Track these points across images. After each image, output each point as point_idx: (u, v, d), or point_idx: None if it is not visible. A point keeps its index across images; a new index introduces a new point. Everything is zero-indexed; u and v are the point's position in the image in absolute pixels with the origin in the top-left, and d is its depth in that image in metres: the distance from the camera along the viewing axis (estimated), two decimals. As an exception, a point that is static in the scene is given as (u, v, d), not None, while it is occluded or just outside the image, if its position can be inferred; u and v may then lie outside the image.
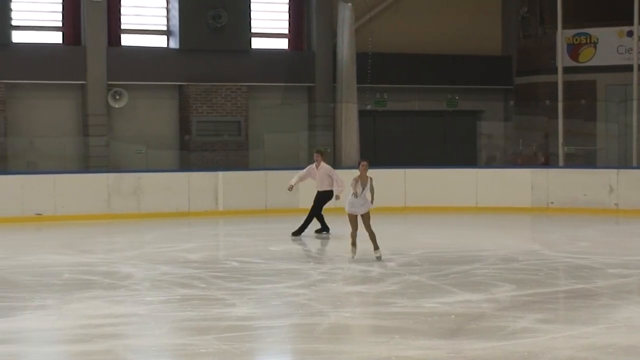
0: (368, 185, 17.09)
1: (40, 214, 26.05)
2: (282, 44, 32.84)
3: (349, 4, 31.44)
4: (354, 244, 17.29)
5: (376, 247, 17.16)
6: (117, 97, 30.03)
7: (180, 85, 31.22)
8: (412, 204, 28.89)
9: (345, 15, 31.46)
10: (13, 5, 29.45)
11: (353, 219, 17.19)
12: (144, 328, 11.46)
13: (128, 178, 27.62)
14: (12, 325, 11.50)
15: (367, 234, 17.04)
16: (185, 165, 30.53)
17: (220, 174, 28.44)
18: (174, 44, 31.13)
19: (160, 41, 31.51)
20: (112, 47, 30.31)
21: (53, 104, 30.04)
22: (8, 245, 21.15)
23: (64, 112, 30.17)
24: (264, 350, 10.52)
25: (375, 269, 16.14)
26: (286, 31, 32.71)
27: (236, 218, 27.13)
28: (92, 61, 29.80)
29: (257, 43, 32.26)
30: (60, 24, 30.28)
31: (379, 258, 17.04)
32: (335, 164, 31.45)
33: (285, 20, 32.69)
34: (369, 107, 33.06)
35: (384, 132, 33.64)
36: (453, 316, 11.87)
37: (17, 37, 29.72)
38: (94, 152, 29.78)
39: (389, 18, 33.40)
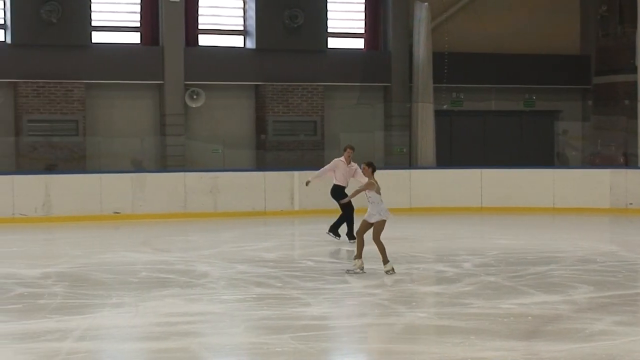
0: (376, 188, 15.62)
1: (118, 213, 26.31)
2: (358, 43, 32.81)
3: (425, 4, 31.30)
4: (359, 254, 15.72)
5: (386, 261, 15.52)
6: (194, 96, 30.24)
7: (256, 85, 31.34)
8: (488, 204, 28.66)
9: (421, 15, 31.34)
10: (93, 7, 29.81)
11: (364, 225, 15.66)
12: (219, 326, 11.50)
13: (205, 177, 27.77)
14: (90, 322, 11.61)
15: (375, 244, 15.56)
16: (261, 164, 30.62)
17: (296, 173, 28.45)
18: (251, 44, 31.25)
19: (237, 41, 31.66)
20: (190, 47, 30.53)
21: (131, 103, 30.34)
22: (87, 243, 21.39)
23: (142, 111, 30.45)
24: (339, 350, 10.50)
25: (451, 270, 16.04)
26: (362, 31, 32.68)
27: (312, 217, 27.12)
28: (170, 61, 30.03)
29: (333, 43, 32.27)
30: (138, 25, 30.56)
31: (389, 272, 15.40)
32: (411, 164, 31.42)
33: (362, 20, 32.66)
34: (445, 107, 32.91)
35: (460, 132, 33.46)
36: (530, 318, 11.75)
37: (97, 37, 30.06)
38: (171, 151, 30.01)
39: (465, 17, 33.19)
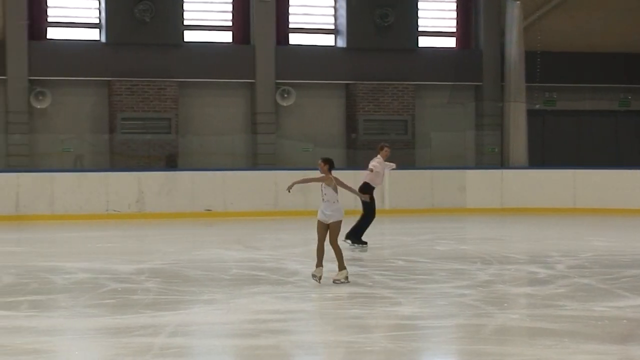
0: (332, 186, 14.73)
1: (209, 210, 26.54)
2: (450, 42, 32.64)
3: (518, 2, 31.05)
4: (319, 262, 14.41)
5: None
6: (285, 95, 30.36)
7: (347, 84, 31.37)
8: (581, 205, 28.33)
9: (513, 14, 31.07)
10: (185, 6, 30.10)
11: (321, 228, 14.57)
12: (310, 325, 11.52)
13: (294, 176, 27.79)
14: (181, 318, 11.71)
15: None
16: (351, 163, 30.61)
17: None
18: (342, 42, 31.28)
19: (327, 40, 31.70)
20: (281, 46, 30.67)
21: (223, 102, 30.57)
22: (179, 240, 21.61)
23: (234, 110, 30.67)
24: (429, 350, 10.45)
25: (544, 271, 15.86)
26: (454, 29, 32.54)
27: (402, 217, 27.08)
28: (261, 60, 30.20)
29: (424, 41, 32.16)
30: (230, 23, 30.80)
31: (336, 282, 14.27)
32: (503, 164, 31.17)
33: (453, 18, 32.50)
34: (537, 106, 32.58)
35: (552, 132, 33.09)
36: (625, 321, 11.56)
37: (189, 36, 30.34)
38: (262, 149, 30.16)
39: (558, 15, 32.81)
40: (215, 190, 27.10)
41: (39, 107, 28.92)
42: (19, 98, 28.70)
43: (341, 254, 14.34)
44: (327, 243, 14.29)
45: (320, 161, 14.85)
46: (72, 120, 29.53)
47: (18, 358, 9.42)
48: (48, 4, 29.64)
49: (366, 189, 19.38)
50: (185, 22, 30.29)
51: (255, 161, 30.24)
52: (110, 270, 15.90)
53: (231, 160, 30.03)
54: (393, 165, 20.84)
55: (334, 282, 14.17)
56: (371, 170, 19.61)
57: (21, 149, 28.70)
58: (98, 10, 29.84)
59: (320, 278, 14.11)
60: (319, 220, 14.53)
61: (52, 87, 29.12)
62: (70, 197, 26.54)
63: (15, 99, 28.69)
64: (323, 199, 14.64)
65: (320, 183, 14.74)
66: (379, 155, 20.02)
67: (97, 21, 29.92)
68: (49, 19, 29.72)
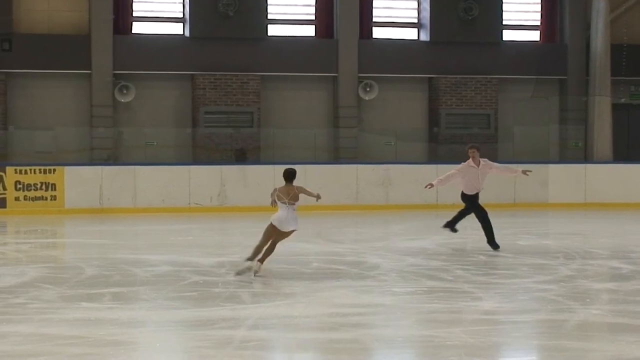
0: (293, 194, 14.95)
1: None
2: (534, 36, 32.34)
3: (604, -5, 30.67)
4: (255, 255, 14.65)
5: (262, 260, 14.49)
6: (368, 89, 30.36)
7: (430, 78, 31.26)
8: (667, 200, 27.92)
9: (599, 7, 30.66)
10: (269, 0, 30.23)
11: (272, 231, 14.72)
12: (390, 318, 11.50)
13: (377, 169, 27.83)
14: (262, 311, 11.76)
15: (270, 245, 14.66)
16: (433, 157, 30.54)
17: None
18: (425, 36, 31.19)
19: (410, 34, 31.62)
20: (364, 40, 30.68)
21: (305, 95, 30.65)
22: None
23: (316, 103, 30.74)
24: (510, 345, 10.36)
25: (626, 266, 15.64)
26: (538, 23, 32.22)
27: (485, 211, 26.90)
28: (344, 54, 30.23)
29: (508, 35, 31.93)
30: (313, 17, 30.87)
31: (250, 268, 14.39)
32: (587, 158, 30.81)
33: (538, 12, 32.19)
34: (623, 100, 32.16)
35: (638, 126, 32.60)
36: None
37: (272, 30, 30.47)
38: (344, 143, 30.18)
39: (645, 8, 32.39)
40: (297, 183, 27.11)
41: (123, 101, 29.27)
42: (104, 92, 29.08)
43: (271, 253, 14.54)
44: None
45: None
46: (155, 113, 29.85)
47: (100, 349, 9.53)
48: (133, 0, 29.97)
49: (464, 198, 18.59)
50: (269, 16, 30.43)
51: (336, 155, 30.27)
52: (192, 263, 16.04)
53: (313, 153, 30.09)
54: (493, 166, 18.82)
55: (246, 259, 14.48)
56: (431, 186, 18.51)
57: (105, 142, 29.08)
58: (182, 5, 30.11)
59: (255, 271, 14.25)
60: (275, 226, 14.65)
61: (136, 81, 29.45)
62: (153, 190, 26.81)
63: (100, 92, 29.07)
64: (292, 207, 14.89)
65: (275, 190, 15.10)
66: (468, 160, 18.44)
67: (181, 15, 30.19)
68: (134, 14, 30.06)
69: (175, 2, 30.20)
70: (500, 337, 10.53)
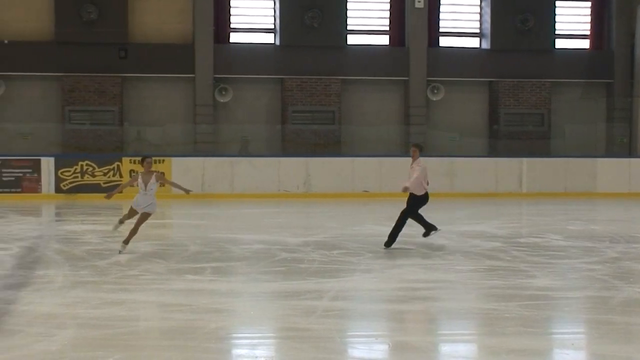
0: (152, 181, 14.49)
1: (367, 191, 26.61)
2: (584, 44, 31.91)
3: (648, 7, 30.14)
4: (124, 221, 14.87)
5: (126, 242, 14.42)
6: (435, 91, 30.22)
7: (490, 81, 31.02)
8: None
9: (643, 17, 30.18)
10: (349, 13, 30.24)
11: (133, 213, 14.67)
12: (454, 293, 11.45)
13: (443, 162, 27.70)
14: (342, 285, 11.78)
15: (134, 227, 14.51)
16: (493, 152, 30.31)
17: (525, 160, 28.07)
18: (486, 44, 30.94)
19: (473, 42, 31.39)
20: (432, 48, 30.53)
21: (380, 97, 30.60)
22: (340, 216, 21.73)
23: (389, 103, 30.69)
24: (561, 318, 10.25)
25: (667, 250, 15.36)
26: (588, 32, 31.78)
27: (538, 199, 26.63)
28: (414, 60, 30.12)
29: (560, 43, 31.56)
30: (387, 28, 30.78)
31: (121, 252, 14.26)
32: (631, 154, 30.34)
33: (587, 22, 31.77)
34: (664, 101, 31.59)
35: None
36: None
37: (351, 39, 30.48)
38: (414, 138, 30.06)
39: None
40: (372, 174, 27.15)
41: (222, 101, 29.48)
42: (205, 93, 29.31)
43: (135, 234, 14.44)
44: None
45: (149, 160, 14.81)
46: (249, 112, 30.02)
47: (202, 316, 9.63)
48: (231, 12, 30.17)
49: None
50: (349, 27, 30.40)
51: (407, 149, 30.15)
52: (281, 242, 16.10)
53: (386, 147, 30.04)
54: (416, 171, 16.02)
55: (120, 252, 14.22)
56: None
57: (207, 137, 29.33)
58: (273, 17, 30.21)
59: (121, 250, 14.26)
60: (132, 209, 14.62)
61: (234, 84, 29.64)
62: (248, 179, 26.98)
63: (202, 94, 29.31)
64: (145, 193, 14.48)
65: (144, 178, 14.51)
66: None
67: (272, 27, 30.29)
68: (232, 25, 30.25)
69: (267, 15, 30.32)
70: (553, 311, 10.42)
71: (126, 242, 14.37)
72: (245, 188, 26.87)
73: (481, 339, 9.16)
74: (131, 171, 26.10)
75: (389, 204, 25.09)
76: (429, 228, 15.86)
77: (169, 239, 17.84)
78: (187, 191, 15.09)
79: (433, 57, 30.41)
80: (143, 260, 13.69)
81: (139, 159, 25.11)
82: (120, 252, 14.19)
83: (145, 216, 14.50)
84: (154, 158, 26.35)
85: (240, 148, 29.51)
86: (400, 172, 27.24)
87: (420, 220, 15.87)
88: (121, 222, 14.86)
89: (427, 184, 16.13)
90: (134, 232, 14.42)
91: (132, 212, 14.61)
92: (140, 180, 14.48)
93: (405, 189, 15.54)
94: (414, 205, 15.83)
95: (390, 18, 30.76)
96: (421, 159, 16.17)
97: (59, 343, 8.43)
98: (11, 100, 28.96)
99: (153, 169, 14.91)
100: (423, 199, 15.93)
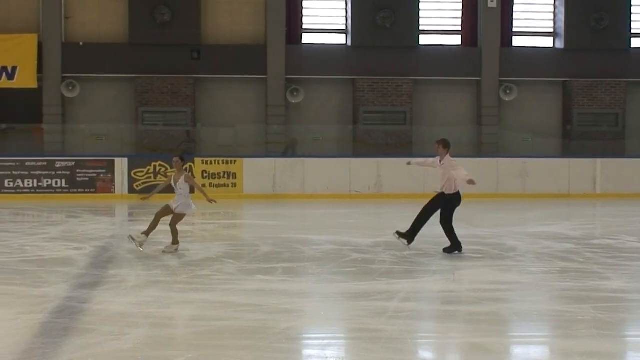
0: (181, 181, 14.34)
1: (437, 192, 26.46)
2: (660, 42, 31.43)
3: None
4: (148, 232, 14.45)
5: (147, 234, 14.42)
6: (508, 91, 30.00)
7: (563, 82, 30.67)
8: None
9: None
10: (421, 13, 30.16)
11: (165, 209, 14.42)
12: (526, 294, 11.32)
13: (515, 162, 27.48)
14: (412, 286, 11.74)
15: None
16: (566, 152, 29.97)
17: (599, 160, 27.67)
18: (560, 44, 30.62)
19: (547, 42, 31.10)
20: (504, 48, 30.30)
21: (451, 97, 30.47)
22: (411, 217, 21.56)
23: (461, 104, 30.56)
24: (635, 321, 10.09)
25: None
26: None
27: (612, 200, 26.24)
28: (487, 60, 29.93)
29: (636, 42, 31.09)
30: (459, 28, 30.62)
31: (165, 252, 14.33)
32: None
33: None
34: None
35: None
36: None
37: (423, 40, 30.38)
38: (486, 139, 29.92)
39: None
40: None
41: (293, 101, 29.59)
42: (277, 94, 29.45)
43: (177, 233, 14.46)
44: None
45: (176, 158, 14.72)
46: (321, 113, 30.09)
47: (273, 316, 9.66)
48: (303, 13, 30.28)
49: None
50: (420, 28, 30.31)
51: (479, 149, 29.98)
52: (352, 242, 16.10)
53: (458, 148, 29.83)
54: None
55: (162, 252, 14.26)
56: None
57: (278, 137, 29.46)
58: (345, 18, 30.24)
59: (140, 244, 14.22)
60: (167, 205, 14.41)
61: (305, 85, 29.73)
62: (319, 179, 27.03)
63: (273, 94, 29.45)
64: (176, 192, 14.37)
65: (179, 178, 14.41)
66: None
67: (344, 27, 30.32)
68: (303, 26, 30.34)
69: (339, 16, 30.36)
70: (627, 314, 10.26)
71: (147, 233, 14.37)
72: (316, 188, 26.93)
73: (554, 342, 9.04)
74: (186, 169, 26.38)
75: (461, 204, 24.96)
76: (456, 246, 14.76)
77: (240, 239, 17.93)
78: (210, 201, 14.57)
79: (506, 57, 30.16)
80: (215, 260, 13.79)
81: (212, 160, 25.36)
82: (136, 243, 14.21)
83: (177, 217, 14.40)
84: (225, 159, 26.76)
85: (285, 147, 29.54)
86: (472, 173, 27.13)
87: (452, 233, 14.85)
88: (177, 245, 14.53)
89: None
90: (153, 226, 14.35)
91: (165, 210, 14.43)
92: (172, 180, 14.50)
93: (472, 182, 14.79)
94: (451, 210, 15.01)
95: (463, 18, 30.60)
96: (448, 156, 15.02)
97: (132, 342, 8.52)
98: (86, 102, 29.43)
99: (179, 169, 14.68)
100: (457, 200, 15.20)
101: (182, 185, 14.30)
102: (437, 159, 15.27)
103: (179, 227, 14.58)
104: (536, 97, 30.78)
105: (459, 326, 9.64)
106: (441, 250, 14.98)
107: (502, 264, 13.62)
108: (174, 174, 14.61)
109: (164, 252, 14.28)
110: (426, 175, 26.78)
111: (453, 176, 14.93)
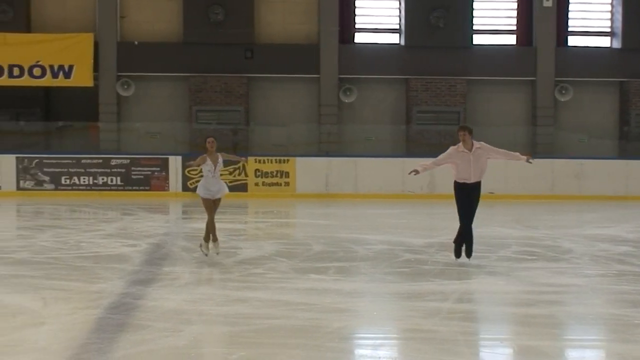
0: (220, 161, 13.55)
1: (492, 193, 26.28)
2: None
3: None
4: (209, 238, 13.68)
5: (215, 239, 13.67)
6: (563, 91, 29.76)
7: (621, 82, 30.31)
8: None
9: None
10: (475, 12, 30.00)
11: (209, 204, 13.58)
12: (582, 297, 11.22)
13: (571, 163, 27.24)
14: (466, 287, 11.69)
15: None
16: (623, 153, 29.62)
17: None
18: (617, 43, 30.27)
19: (604, 41, 30.75)
20: (560, 48, 30.04)
21: (505, 96, 30.28)
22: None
23: (516, 103, 30.35)
24: (695, 325, 9.94)
25: None
26: None
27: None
28: (542, 60, 29.72)
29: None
30: (514, 28, 30.41)
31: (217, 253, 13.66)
32: None
33: None
34: None
35: None
36: None
37: (477, 39, 30.22)
38: (541, 140, 29.69)
39: None
40: (498, 175, 26.82)
41: (346, 101, 29.58)
42: (330, 93, 29.46)
43: (215, 227, 13.66)
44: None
45: (211, 139, 13.52)
46: (374, 112, 30.06)
47: (326, 315, 9.67)
48: (356, 13, 30.27)
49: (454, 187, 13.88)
50: (474, 27, 30.14)
51: (534, 150, 29.71)
52: (405, 242, 16.07)
53: (512, 148, 29.47)
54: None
55: (217, 254, 13.60)
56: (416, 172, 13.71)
57: (331, 137, 29.48)
58: (398, 17, 30.18)
59: (217, 251, 13.57)
60: (204, 198, 13.50)
61: (358, 84, 29.71)
62: (371, 179, 27.01)
63: (326, 94, 29.47)
64: (214, 176, 13.44)
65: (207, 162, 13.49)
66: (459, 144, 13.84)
67: (397, 27, 30.25)
68: (356, 26, 30.34)
69: (392, 15, 30.30)
70: (685, 318, 10.12)
71: (215, 239, 13.61)
72: (369, 188, 26.91)
73: (609, 346, 8.95)
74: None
75: (514, 205, 24.81)
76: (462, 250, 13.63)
77: (293, 238, 17.98)
78: (238, 160, 14.59)
79: (561, 57, 29.88)
80: (268, 259, 13.84)
81: (264, 159, 25.42)
82: (207, 253, 13.51)
83: (218, 203, 13.69)
84: (277, 158, 26.87)
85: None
86: (526, 173, 26.96)
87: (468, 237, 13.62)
88: (207, 240, 13.77)
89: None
90: (213, 226, 13.61)
91: (208, 206, 13.55)
92: (209, 161, 13.49)
93: (529, 159, 13.94)
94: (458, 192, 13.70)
95: (518, 17, 30.38)
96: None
97: (186, 339, 8.59)
98: (140, 100, 29.70)
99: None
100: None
101: (220, 167, 13.55)
102: (456, 149, 13.63)
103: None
104: (592, 97, 30.45)
105: (513, 328, 9.59)
106: (496, 252, 14.88)
107: (557, 266, 13.50)
108: (208, 155, 13.51)
109: (217, 253, 13.61)
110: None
111: (486, 164, 13.83)
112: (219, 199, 13.64)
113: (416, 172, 13.54)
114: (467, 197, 13.62)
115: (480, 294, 11.35)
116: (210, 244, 13.67)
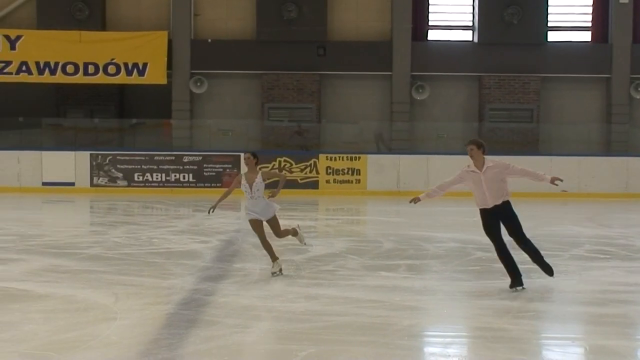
0: (258, 181, 12.04)
1: (565, 191, 25.97)
2: None
3: None
4: (273, 256, 12.07)
5: (274, 258, 12.07)
6: (639, 88, 29.30)
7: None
8: None
9: None
10: (549, 9, 29.69)
11: (257, 226, 12.10)
12: (657, 298, 11.04)
13: (647, 162, 26.88)
14: (537, 285, 11.54)
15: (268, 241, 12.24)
16: (701, 151, 29.13)
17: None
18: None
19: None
20: (637, 45, 29.64)
21: (579, 94, 29.94)
22: (537, 216, 21.31)
23: (590, 101, 29.95)
24: None
25: None
26: None
27: None
28: (618, 57, 29.32)
29: None
30: (589, 24, 30.01)
31: (274, 274, 11.91)
32: None
33: None
34: None
35: None
36: None
37: (551, 36, 29.91)
38: (615, 137, 29.27)
39: None
40: (571, 173, 26.50)
41: (418, 98, 29.48)
42: (402, 91, 29.38)
43: (270, 246, 12.11)
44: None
45: (248, 155, 12.14)
46: (446, 110, 29.91)
47: (396, 313, 9.65)
48: (429, 10, 30.15)
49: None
50: (549, 24, 29.81)
51: (608, 148, 29.31)
52: (476, 240, 15.93)
53: (586, 146, 29.25)
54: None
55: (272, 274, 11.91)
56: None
57: (402, 134, 29.40)
58: (472, 14, 29.98)
59: (280, 270, 11.94)
60: (251, 219, 12.11)
61: (431, 81, 29.59)
62: (444, 175, 26.80)
63: (398, 91, 29.40)
64: (252, 197, 12.07)
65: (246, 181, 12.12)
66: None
67: (470, 24, 30.06)
68: (430, 23, 30.22)
69: (465, 13, 30.12)
70: None
71: (273, 259, 12.06)
72: (441, 186, 26.74)
73: (685, 347, 8.78)
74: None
75: (588, 204, 24.48)
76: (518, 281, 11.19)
77: (363, 235, 17.97)
78: (276, 191, 12.12)
79: (637, 54, 29.40)
80: (338, 256, 13.86)
81: (336, 156, 25.40)
82: (277, 273, 11.91)
83: (275, 223, 12.14)
84: (349, 155, 26.87)
85: (376, 140, 29.42)
86: (601, 172, 26.59)
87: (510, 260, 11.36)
88: (296, 232, 12.72)
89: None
90: (267, 247, 12.13)
91: (255, 227, 12.14)
92: (244, 181, 12.14)
93: (554, 181, 11.82)
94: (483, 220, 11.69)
95: (593, 14, 29.97)
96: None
97: (255, 335, 8.63)
98: (213, 98, 29.94)
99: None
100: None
101: (259, 186, 11.99)
102: (466, 170, 11.90)
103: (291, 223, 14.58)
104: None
105: (585, 327, 9.47)
106: (569, 250, 14.69)
107: (631, 266, 13.29)
108: (244, 174, 12.25)
109: (273, 274, 11.92)
110: (552, 174, 26.32)
111: (505, 185, 11.60)
112: (273, 219, 12.10)
113: (417, 200, 12.03)
114: (494, 225, 11.45)
115: (551, 292, 11.20)
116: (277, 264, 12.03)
